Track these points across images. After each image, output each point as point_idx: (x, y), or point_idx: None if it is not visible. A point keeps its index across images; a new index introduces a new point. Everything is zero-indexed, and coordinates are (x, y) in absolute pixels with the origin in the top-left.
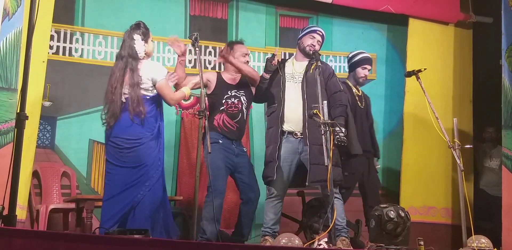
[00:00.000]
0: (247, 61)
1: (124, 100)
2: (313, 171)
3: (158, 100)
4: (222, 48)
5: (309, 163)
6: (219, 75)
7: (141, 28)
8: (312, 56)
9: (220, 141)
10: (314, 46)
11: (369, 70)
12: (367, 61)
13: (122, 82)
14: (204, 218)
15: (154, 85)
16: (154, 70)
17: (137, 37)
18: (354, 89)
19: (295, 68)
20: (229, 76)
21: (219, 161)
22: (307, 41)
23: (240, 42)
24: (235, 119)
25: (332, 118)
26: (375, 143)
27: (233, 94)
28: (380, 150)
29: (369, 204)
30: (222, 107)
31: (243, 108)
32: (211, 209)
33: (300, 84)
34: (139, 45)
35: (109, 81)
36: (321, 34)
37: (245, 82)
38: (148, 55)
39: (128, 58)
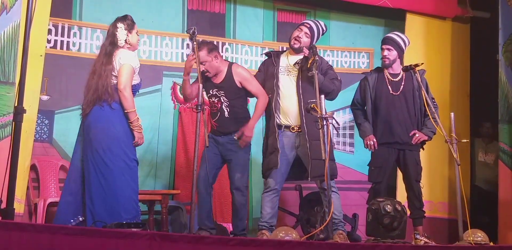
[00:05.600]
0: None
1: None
2: (315, 166)
3: (134, 92)
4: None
5: (310, 158)
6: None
7: (126, 20)
8: (301, 49)
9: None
10: (300, 38)
11: (388, 50)
12: (383, 41)
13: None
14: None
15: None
16: (126, 57)
17: (120, 25)
18: (387, 75)
19: (289, 62)
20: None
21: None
22: (294, 34)
23: (204, 43)
24: (215, 119)
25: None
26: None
27: (214, 93)
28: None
29: (409, 197)
30: (206, 106)
31: (223, 107)
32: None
33: (295, 79)
34: (121, 33)
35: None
36: (308, 26)
37: (228, 80)
38: (130, 45)
39: (107, 46)
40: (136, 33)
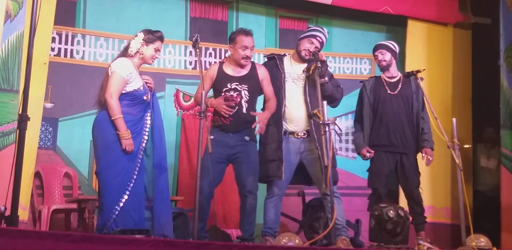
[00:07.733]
0: (247, 56)
1: None
2: (326, 172)
3: (137, 98)
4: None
5: (323, 164)
6: (220, 67)
7: (151, 33)
8: (312, 58)
9: (211, 137)
10: (311, 51)
11: (382, 53)
12: (374, 49)
13: None
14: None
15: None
16: (115, 65)
17: (140, 35)
18: (385, 78)
19: (294, 69)
20: (232, 68)
21: (205, 161)
22: (305, 45)
23: (242, 32)
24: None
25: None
26: (418, 137)
27: (233, 87)
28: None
29: (409, 203)
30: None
31: (242, 102)
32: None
33: (302, 86)
34: (136, 42)
35: None
36: (320, 40)
37: (252, 76)
38: (143, 57)
39: (122, 50)
40: (155, 49)
